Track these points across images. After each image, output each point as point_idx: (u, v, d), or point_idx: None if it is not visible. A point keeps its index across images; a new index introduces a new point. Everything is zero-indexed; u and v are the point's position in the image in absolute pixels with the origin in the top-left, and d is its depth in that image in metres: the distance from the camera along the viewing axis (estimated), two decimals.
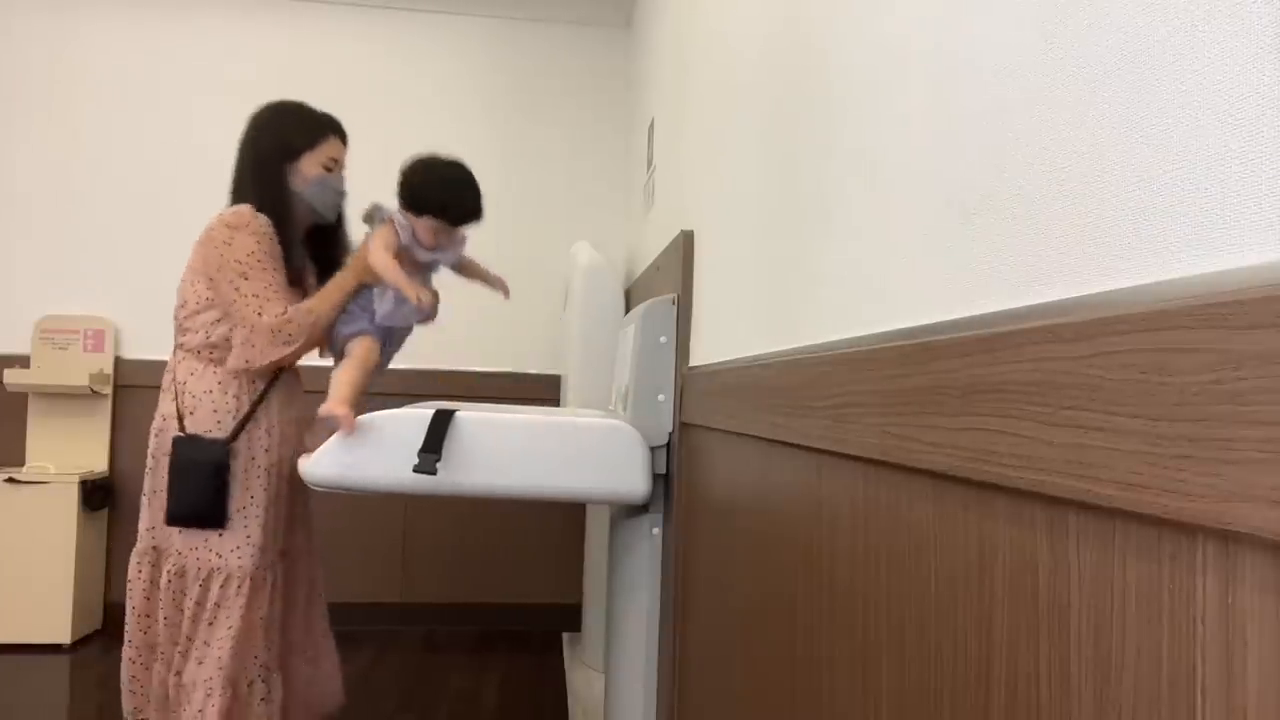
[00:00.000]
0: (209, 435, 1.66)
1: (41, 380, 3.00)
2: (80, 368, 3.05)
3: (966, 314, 0.61)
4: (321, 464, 1.53)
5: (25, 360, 3.08)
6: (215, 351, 1.70)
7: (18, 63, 3.22)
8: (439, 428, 1.51)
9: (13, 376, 2.95)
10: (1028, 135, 0.54)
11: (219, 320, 1.69)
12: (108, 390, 3.11)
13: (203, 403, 1.68)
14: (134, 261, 3.21)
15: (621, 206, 3.45)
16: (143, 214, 3.24)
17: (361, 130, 3.39)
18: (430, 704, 2.54)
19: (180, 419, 1.68)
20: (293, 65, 3.34)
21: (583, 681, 2.55)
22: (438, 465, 1.49)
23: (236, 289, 1.66)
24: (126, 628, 1.71)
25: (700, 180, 1.69)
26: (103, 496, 3.04)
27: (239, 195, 1.77)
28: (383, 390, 3.14)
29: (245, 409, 1.69)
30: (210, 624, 1.64)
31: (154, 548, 1.71)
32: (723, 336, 1.35)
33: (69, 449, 3.08)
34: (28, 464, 3.02)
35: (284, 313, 1.67)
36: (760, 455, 1.05)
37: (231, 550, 1.66)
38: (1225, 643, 0.36)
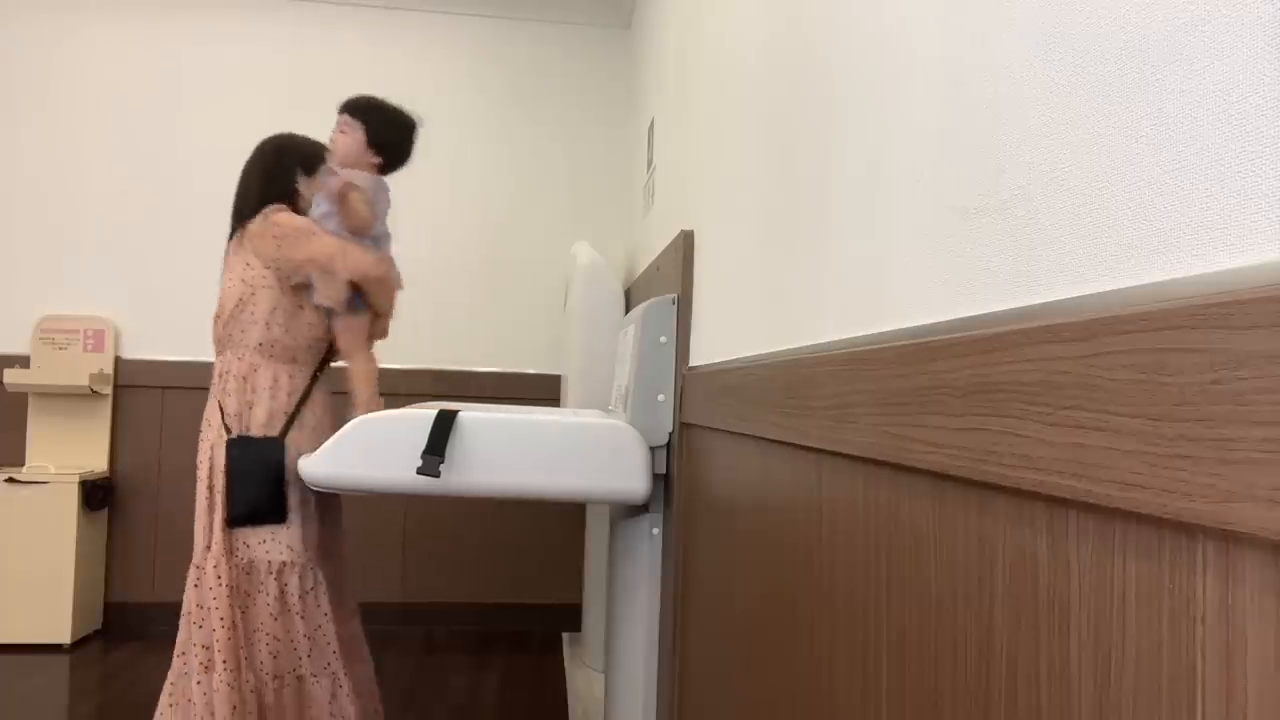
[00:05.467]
0: (260, 435, 1.73)
1: (41, 380, 3.00)
2: (80, 368, 3.05)
3: (966, 314, 0.61)
4: (322, 464, 1.53)
5: (25, 360, 3.08)
6: (275, 346, 1.76)
7: (17, 63, 3.22)
8: (442, 429, 1.51)
9: (13, 376, 2.95)
10: (1028, 135, 0.54)
11: (275, 308, 1.75)
12: (108, 390, 3.11)
13: (261, 399, 1.74)
14: (134, 261, 3.22)
15: (621, 206, 3.45)
16: (143, 214, 3.24)
17: None
18: (430, 704, 2.54)
19: (232, 420, 1.73)
20: (293, 65, 3.34)
21: (583, 681, 2.55)
22: (440, 467, 1.49)
23: (306, 249, 1.74)
24: (219, 649, 1.65)
25: (700, 180, 1.69)
26: (103, 496, 3.04)
27: (247, 200, 1.85)
28: (384, 390, 3.14)
29: (293, 408, 1.76)
30: (301, 616, 1.70)
31: (207, 547, 1.73)
32: (723, 336, 1.35)
33: (69, 449, 3.08)
34: (28, 464, 3.02)
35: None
36: (760, 455, 1.05)
37: (299, 541, 1.72)
38: (1225, 643, 0.36)
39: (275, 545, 1.70)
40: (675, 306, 1.61)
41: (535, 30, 3.46)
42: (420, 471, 1.49)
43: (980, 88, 0.61)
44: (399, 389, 3.18)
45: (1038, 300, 0.52)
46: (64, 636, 2.88)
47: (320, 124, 3.44)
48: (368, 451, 1.52)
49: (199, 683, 1.65)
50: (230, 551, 1.69)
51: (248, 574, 1.69)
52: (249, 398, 1.74)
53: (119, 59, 3.25)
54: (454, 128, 3.43)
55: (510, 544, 3.33)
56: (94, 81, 3.24)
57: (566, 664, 2.86)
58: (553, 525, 3.33)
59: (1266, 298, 0.33)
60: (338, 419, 1.89)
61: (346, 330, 1.82)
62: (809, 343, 0.93)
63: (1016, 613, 0.51)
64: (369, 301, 1.83)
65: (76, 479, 2.91)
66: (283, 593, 1.70)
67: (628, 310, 2.47)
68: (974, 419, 0.54)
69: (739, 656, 1.13)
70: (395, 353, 3.33)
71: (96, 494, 3.00)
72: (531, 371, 3.38)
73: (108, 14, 3.26)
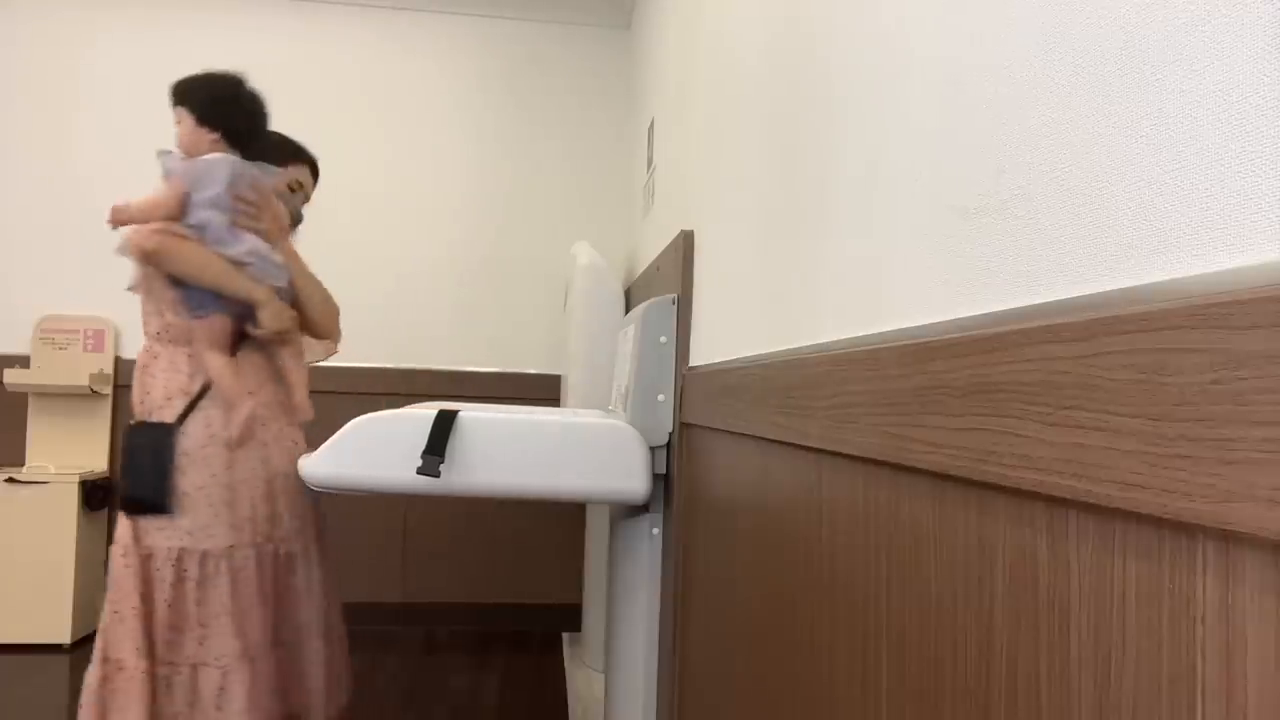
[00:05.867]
0: (156, 419, 1.68)
1: (41, 380, 3.00)
2: (80, 368, 3.05)
3: (966, 314, 0.61)
4: (322, 464, 1.53)
5: (25, 360, 3.09)
6: (170, 330, 1.72)
7: (17, 62, 3.22)
8: (442, 429, 1.51)
9: (13, 376, 2.96)
10: (1028, 135, 0.54)
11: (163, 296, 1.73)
12: (108, 390, 3.11)
13: (158, 381, 1.70)
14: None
15: (621, 206, 3.45)
16: None
17: (361, 130, 3.40)
18: (430, 704, 2.54)
19: (136, 408, 1.71)
20: (292, 65, 3.34)
21: (583, 681, 2.55)
22: (440, 467, 1.49)
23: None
24: (126, 638, 1.64)
25: (700, 180, 1.69)
26: (103, 496, 3.04)
27: None
28: (384, 390, 3.15)
29: (195, 389, 1.70)
30: (199, 604, 1.64)
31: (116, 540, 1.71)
32: (723, 336, 1.35)
33: (69, 449, 3.08)
34: (28, 464, 3.02)
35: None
36: (760, 455, 1.05)
37: (199, 527, 1.65)
38: (1225, 643, 0.36)
39: (175, 531, 1.65)
40: (675, 306, 1.61)
41: (535, 30, 3.46)
42: (420, 471, 1.49)
43: (980, 88, 0.61)
44: (399, 389, 3.18)
45: (1038, 300, 0.52)
46: (64, 636, 2.88)
47: (319, 124, 3.42)
48: (368, 451, 1.52)
49: (90, 671, 1.63)
50: (136, 540, 1.66)
51: (149, 561, 1.65)
52: (148, 384, 1.70)
53: (119, 59, 3.25)
54: (454, 127, 3.43)
55: (510, 544, 3.33)
56: (94, 82, 3.24)
57: (566, 664, 2.86)
58: (553, 525, 3.33)
59: (1266, 298, 0.33)
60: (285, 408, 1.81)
61: (192, 333, 1.72)
62: (809, 343, 0.93)
63: (1016, 613, 0.51)
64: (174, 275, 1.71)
65: (76, 479, 2.91)
66: (180, 579, 1.65)
67: (628, 310, 2.47)
68: (974, 419, 0.54)
69: (739, 656, 1.13)
70: (395, 353, 3.33)
71: (96, 494, 3.00)
72: (531, 371, 3.38)
73: (109, 13, 3.26)
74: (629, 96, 3.43)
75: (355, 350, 3.37)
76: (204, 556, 1.66)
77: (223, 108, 1.75)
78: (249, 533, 1.71)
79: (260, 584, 1.71)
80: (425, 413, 1.54)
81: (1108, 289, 0.46)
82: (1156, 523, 0.40)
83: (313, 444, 1.63)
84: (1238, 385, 0.34)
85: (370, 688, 2.65)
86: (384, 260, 3.37)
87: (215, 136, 1.73)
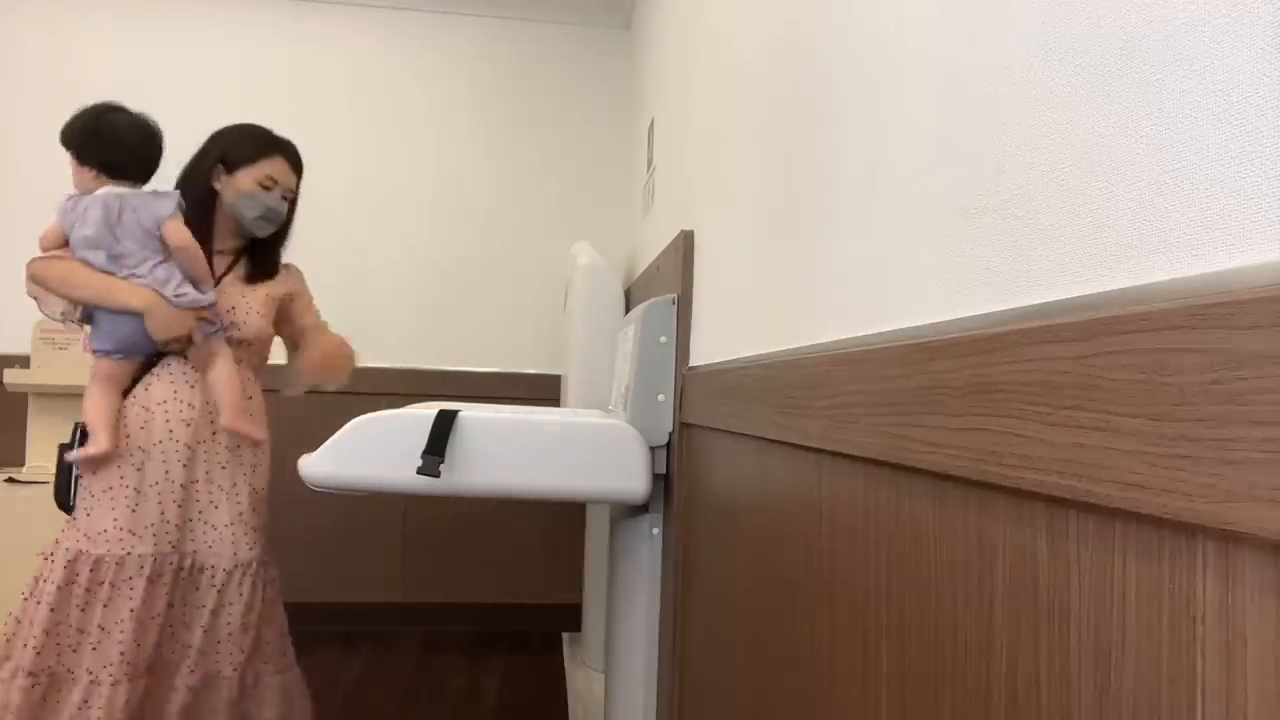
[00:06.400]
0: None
1: (41, 380, 3.00)
2: (80, 368, 3.02)
3: (966, 314, 0.61)
4: (322, 464, 1.53)
5: (25, 360, 3.08)
6: None
7: (17, 62, 3.22)
8: (442, 429, 1.51)
9: (13, 376, 2.95)
10: (1028, 135, 0.54)
11: None
12: None
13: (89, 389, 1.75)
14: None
15: (621, 206, 3.45)
16: None
17: (360, 130, 3.40)
18: (430, 704, 2.54)
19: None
20: (293, 65, 3.34)
21: (583, 681, 2.55)
22: (440, 467, 1.49)
23: None
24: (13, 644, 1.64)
25: (700, 180, 1.69)
26: None
27: None
28: (384, 390, 3.15)
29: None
30: (82, 610, 1.62)
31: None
32: (723, 336, 1.35)
33: None
34: (28, 464, 3.02)
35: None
36: (760, 455, 1.05)
37: (99, 532, 1.66)
38: (1225, 643, 0.36)
39: (74, 533, 1.66)
40: (675, 306, 1.61)
41: (535, 30, 3.46)
42: (420, 471, 1.49)
43: (979, 88, 0.61)
44: (398, 389, 3.18)
45: (1037, 300, 0.52)
46: None
47: (319, 123, 3.43)
48: (367, 451, 1.52)
49: None
50: (57, 540, 1.68)
51: (51, 561, 1.66)
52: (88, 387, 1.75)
53: (119, 59, 3.25)
54: (453, 127, 3.43)
55: (510, 544, 3.33)
56: (94, 81, 3.24)
57: (566, 664, 2.86)
58: (553, 525, 3.33)
59: (1266, 298, 0.33)
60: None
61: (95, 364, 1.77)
62: (809, 343, 0.93)
63: (1016, 612, 0.51)
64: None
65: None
66: (69, 582, 1.62)
67: (628, 310, 2.47)
68: (974, 419, 0.54)
69: (739, 657, 1.13)
70: (396, 353, 3.33)
71: None
72: (531, 371, 3.38)
73: (109, 14, 3.26)
74: (629, 96, 3.43)
75: (355, 350, 3.37)
76: (97, 562, 1.64)
77: (89, 144, 1.77)
78: (150, 540, 1.66)
79: (148, 600, 1.64)
80: (425, 413, 1.54)
81: (1108, 289, 0.46)
82: (1157, 523, 0.40)
83: (313, 444, 1.63)
84: (1238, 385, 0.34)
85: (370, 688, 2.65)
86: (383, 260, 3.37)
87: (94, 173, 1.76)
